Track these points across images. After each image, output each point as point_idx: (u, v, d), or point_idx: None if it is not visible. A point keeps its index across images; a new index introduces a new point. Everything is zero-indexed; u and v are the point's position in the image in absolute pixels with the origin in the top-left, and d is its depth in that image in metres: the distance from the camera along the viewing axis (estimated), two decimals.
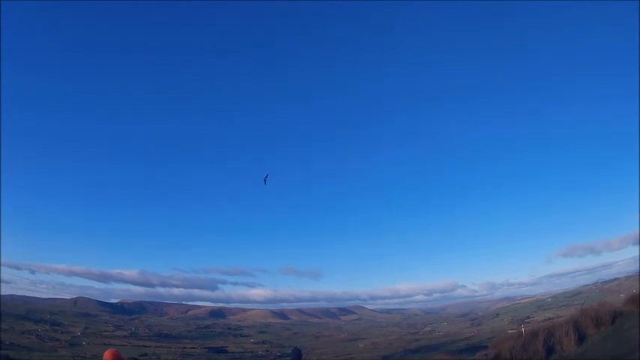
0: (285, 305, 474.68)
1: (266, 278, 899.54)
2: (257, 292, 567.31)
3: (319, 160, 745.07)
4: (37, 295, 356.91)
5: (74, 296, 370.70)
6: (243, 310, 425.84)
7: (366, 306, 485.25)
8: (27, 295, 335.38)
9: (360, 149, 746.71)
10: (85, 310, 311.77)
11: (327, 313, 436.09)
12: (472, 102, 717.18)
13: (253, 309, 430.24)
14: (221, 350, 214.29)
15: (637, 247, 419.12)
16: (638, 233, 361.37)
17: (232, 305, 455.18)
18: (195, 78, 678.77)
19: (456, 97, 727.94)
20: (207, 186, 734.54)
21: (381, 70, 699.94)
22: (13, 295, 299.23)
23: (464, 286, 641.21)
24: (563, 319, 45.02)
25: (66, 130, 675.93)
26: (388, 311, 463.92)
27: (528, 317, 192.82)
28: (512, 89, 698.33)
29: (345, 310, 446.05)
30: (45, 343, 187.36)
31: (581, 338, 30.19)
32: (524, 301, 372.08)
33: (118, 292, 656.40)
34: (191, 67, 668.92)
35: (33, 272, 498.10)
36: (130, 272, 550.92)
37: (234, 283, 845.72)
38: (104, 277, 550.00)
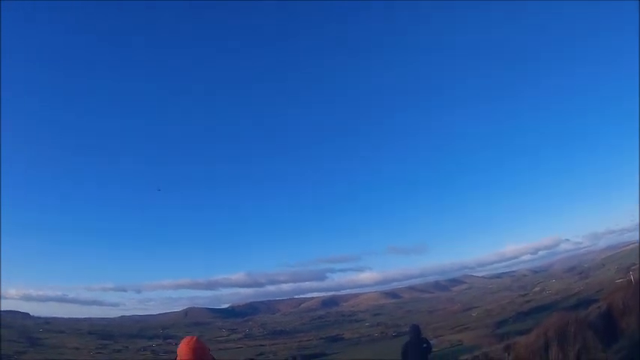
0: (395, 285, 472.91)
1: (373, 260, 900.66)
2: (366, 276, 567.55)
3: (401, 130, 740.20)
4: (147, 313, 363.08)
5: (184, 307, 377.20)
6: (355, 295, 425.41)
7: (475, 274, 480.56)
8: (137, 314, 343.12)
9: (445, 113, 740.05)
10: (196, 320, 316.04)
11: (437, 286, 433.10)
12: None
13: (365, 293, 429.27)
14: (337, 338, 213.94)
15: None
16: None
17: (343, 292, 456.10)
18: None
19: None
20: (296, 177, 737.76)
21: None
22: (123, 316, 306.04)
23: (567, 240, 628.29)
24: None
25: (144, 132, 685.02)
26: (497, 276, 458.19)
27: (634, 264, 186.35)
28: None
29: (455, 281, 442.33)
30: (160, 356, 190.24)
31: None
32: (628, 247, 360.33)
33: (227, 297, 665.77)
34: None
35: (139, 292, 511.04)
36: (237, 275, 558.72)
37: (343, 270, 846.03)
38: (211, 285, 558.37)
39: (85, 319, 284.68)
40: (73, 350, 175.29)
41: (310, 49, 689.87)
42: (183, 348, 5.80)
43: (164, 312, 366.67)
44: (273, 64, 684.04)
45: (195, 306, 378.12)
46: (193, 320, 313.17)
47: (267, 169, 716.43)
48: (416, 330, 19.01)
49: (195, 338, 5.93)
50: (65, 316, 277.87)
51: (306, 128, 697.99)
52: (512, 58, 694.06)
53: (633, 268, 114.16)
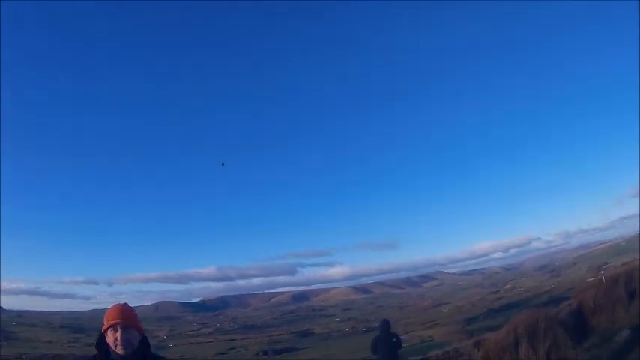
0: (366, 280, 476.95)
1: (344, 255, 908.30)
2: (336, 271, 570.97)
3: (381, 125, 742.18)
4: None
5: (155, 301, 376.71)
6: (326, 290, 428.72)
7: (446, 270, 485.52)
8: (108, 307, 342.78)
9: (420, 110, 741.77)
10: (167, 314, 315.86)
11: (408, 282, 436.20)
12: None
13: (335, 288, 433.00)
14: (308, 333, 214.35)
15: None
16: None
17: (314, 287, 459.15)
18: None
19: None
20: (267, 172, 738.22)
21: None
22: (94, 309, 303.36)
23: (539, 238, 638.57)
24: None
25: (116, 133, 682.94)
26: (468, 273, 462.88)
27: (606, 263, 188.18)
28: None
29: (426, 277, 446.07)
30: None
31: None
32: (599, 247, 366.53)
33: (198, 291, 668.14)
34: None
35: (110, 285, 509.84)
36: (208, 269, 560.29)
37: (313, 265, 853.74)
38: (182, 279, 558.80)
39: (56, 313, 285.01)
40: (46, 344, 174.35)
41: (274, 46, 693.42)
42: (111, 310, 5.58)
43: (135, 305, 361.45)
44: (234, 54, 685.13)
45: (166, 299, 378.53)
46: (164, 314, 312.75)
47: (239, 163, 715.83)
48: (386, 324, 19.17)
49: (124, 303, 5.74)
50: (37, 309, 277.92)
51: (279, 123, 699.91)
52: (499, 56, 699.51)
53: (604, 267, 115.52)
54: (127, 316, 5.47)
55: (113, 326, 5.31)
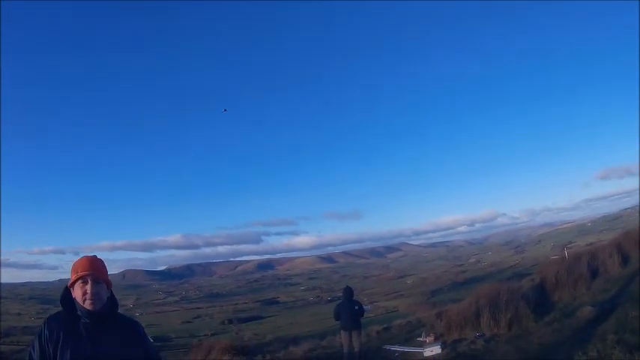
0: (331, 249, 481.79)
1: (309, 225, 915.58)
2: (302, 240, 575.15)
3: (346, 95, 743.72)
4: None
5: (122, 270, 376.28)
6: (290, 259, 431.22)
7: (411, 242, 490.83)
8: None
9: (386, 80, 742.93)
10: (133, 282, 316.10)
11: (373, 252, 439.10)
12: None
13: (300, 257, 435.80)
14: (273, 302, 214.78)
15: None
16: None
17: (279, 256, 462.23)
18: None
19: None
20: (232, 140, 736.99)
21: None
22: (61, 279, 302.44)
23: (504, 215, 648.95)
24: (605, 242, 43.77)
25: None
26: (433, 245, 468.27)
27: (570, 242, 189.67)
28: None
29: (390, 248, 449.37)
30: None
31: (625, 260, 28.98)
32: (564, 226, 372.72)
33: (164, 259, 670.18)
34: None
35: (77, 254, 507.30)
36: (173, 237, 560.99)
37: (278, 234, 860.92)
38: (148, 247, 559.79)
39: (25, 284, 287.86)
40: (15, 316, 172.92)
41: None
42: (81, 261, 4.88)
43: None
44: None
45: (133, 268, 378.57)
46: (131, 282, 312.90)
47: (205, 130, 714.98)
48: (348, 292, 19.30)
49: (93, 255, 4.90)
50: (5, 282, 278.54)
51: (247, 89, 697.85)
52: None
53: (569, 245, 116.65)
54: (97, 268, 4.90)
55: (82, 278, 4.75)
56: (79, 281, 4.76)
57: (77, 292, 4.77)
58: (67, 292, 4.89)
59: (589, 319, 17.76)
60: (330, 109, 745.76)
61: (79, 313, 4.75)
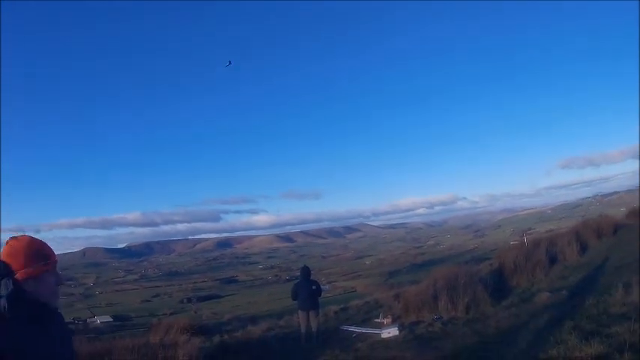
0: (289, 228, 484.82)
1: (268, 203, 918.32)
2: (260, 219, 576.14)
3: (310, 69, 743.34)
4: None
5: (82, 248, 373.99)
6: (249, 237, 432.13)
7: (370, 223, 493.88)
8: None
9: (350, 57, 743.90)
10: (94, 260, 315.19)
11: (332, 232, 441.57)
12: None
13: (259, 235, 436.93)
14: (231, 280, 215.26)
15: (637, 161, 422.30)
16: (638, 146, 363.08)
17: (238, 234, 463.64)
18: None
19: None
20: (192, 115, 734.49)
21: None
22: None
23: (465, 198, 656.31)
24: (565, 230, 44.32)
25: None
26: (392, 226, 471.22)
27: (530, 229, 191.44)
28: None
29: (349, 229, 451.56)
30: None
31: (583, 248, 29.40)
32: (524, 212, 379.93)
33: (123, 237, 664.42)
34: None
35: (37, 232, 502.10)
36: (132, 215, 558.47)
37: (237, 212, 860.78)
38: (107, 224, 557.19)
39: None
40: None
41: None
42: (44, 245, 3.32)
43: (63, 252, 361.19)
44: None
45: (93, 246, 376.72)
46: (91, 260, 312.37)
47: (164, 106, 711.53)
48: (306, 271, 19.42)
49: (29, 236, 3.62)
50: None
51: (206, 65, 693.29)
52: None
53: (529, 232, 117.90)
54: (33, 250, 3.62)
55: (53, 267, 3.62)
56: (47, 271, 3.54)
57: (45, 285, 3.52)
58: (16, 284, 3.41)
59: (546, 304, 17.89)
60: (290, 87, 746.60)
61: (33, 312, 3.46)
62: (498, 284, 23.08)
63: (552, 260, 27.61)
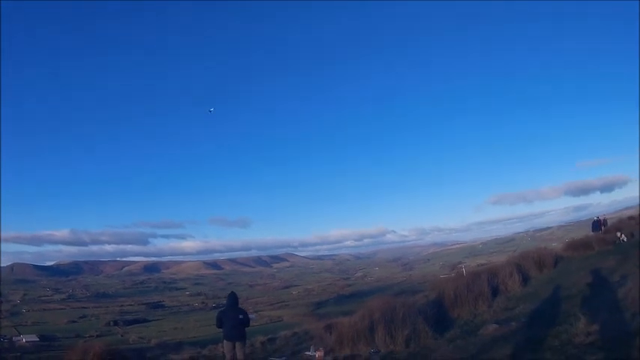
0: (217, 255, 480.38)
1: (196, 229, 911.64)
2: (188, 244, 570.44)
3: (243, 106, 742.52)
4: None
5: (10, 263, 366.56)
6: (177, 262, 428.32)
7: (298, 253, 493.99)
8: None
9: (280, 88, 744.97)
10: (22, 276, 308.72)
11: (259, 261, 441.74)
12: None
13: (186, 261, 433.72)
14: (158, 305, 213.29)
15: (570, 198, 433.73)
16: (571, 184, 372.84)
17: (165, 259, 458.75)
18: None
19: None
20: (131, 139, 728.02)
21: None
22: None
23: (394, 232, 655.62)
24: (505, 261, 44.67)
25: None
26: (319, 257, 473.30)
27: (460, 262, 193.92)
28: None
29: (276, 258, 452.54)
30: None
31: (525, 279, 29.29)
32: (454, 247, 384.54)
33: (52, 254, 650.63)
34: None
35: None
36: (61, 232, 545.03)
37: (165, 236, 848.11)
38: (36, 240, 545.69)
39: None
40: None
41: None
42: None
43: None
44: None
45: (21, 261, 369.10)
46: (19, 277, 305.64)
47: (98, 128, 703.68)
48: (233, 298, 18.51)
49: None
50: None
51: (142, 94, 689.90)
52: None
53: (460, 265, 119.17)
54: None
55: None
56: None
57: None
58: None
59: (495, 337, 16.96)
60: (221, 116, 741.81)
61: None
62: (438, 316, 22.16)
63: (494, 291, 26.84)
